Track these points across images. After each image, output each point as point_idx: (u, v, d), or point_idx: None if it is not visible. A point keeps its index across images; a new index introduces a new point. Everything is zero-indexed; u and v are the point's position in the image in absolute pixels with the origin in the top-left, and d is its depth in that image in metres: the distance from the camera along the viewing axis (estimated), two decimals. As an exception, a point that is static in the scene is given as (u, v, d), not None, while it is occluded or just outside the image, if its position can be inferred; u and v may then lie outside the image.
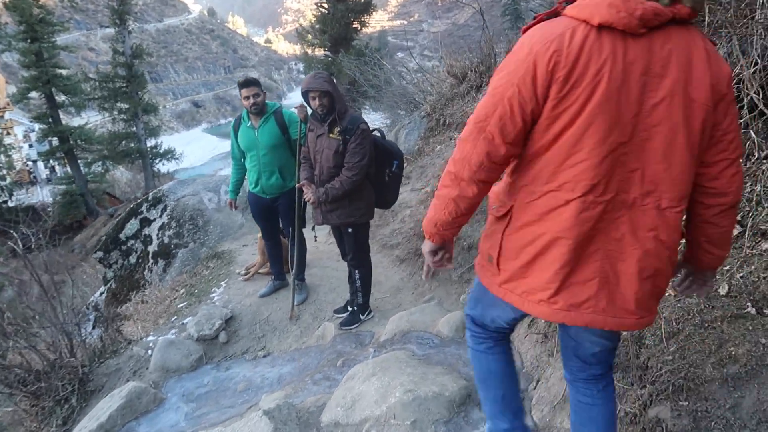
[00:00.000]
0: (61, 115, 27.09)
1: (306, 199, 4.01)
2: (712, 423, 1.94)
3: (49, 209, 27.39)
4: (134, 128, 26.87)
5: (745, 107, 2.65)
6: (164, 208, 6.88)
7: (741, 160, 1.57)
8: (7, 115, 42.47)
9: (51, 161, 29.25)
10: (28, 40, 23.57)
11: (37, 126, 27.19)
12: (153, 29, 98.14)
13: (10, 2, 22.59)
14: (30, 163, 40.93)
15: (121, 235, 7.05)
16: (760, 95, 2.59)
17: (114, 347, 4.65)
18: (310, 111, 4.05)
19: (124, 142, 26.88)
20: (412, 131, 7.46)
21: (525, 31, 1.53)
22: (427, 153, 6.77)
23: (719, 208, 1.58)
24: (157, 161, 28.95)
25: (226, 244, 6.42)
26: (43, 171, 39.36)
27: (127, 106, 25.93)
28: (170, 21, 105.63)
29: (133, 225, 7.02)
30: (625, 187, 1.47)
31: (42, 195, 35.45)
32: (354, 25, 17.80)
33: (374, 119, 13.24)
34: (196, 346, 4.29)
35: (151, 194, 7.26)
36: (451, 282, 4.49)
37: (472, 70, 7.24)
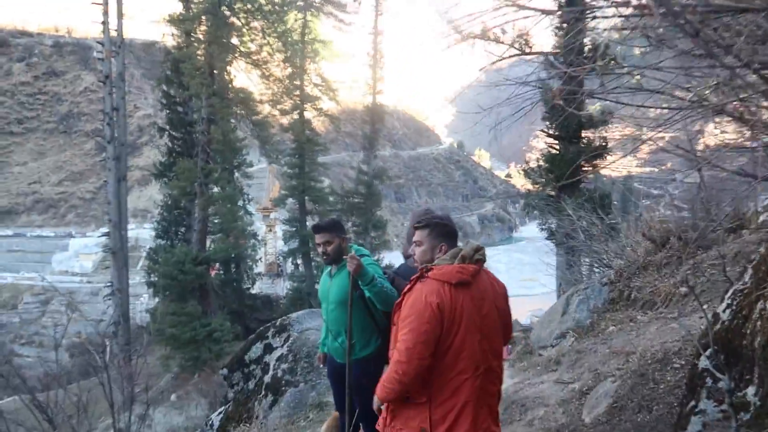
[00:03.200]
0: (308, 221, 30.75)
1: None
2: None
3: (281, 301, 30.58)
4: (361, 241, 29.07)
5: None
6: (287, 338, 6.56)
7: None
8: (272, 215, 50.06)
9: (294, 259, 33.02)
10: (296, 156, 27.77)
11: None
12: (406, 155, 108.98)
13: (290, 124, 27.06)
14: (281, 257, 46.85)
15: (246, 357, 6.82)
16: None
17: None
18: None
19: (351, 251, 29.02)
20: (587, 299, 6.22)
21: (410, 287, 2.78)
22: (595, 333, 5.50)
23: None
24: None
25: (337, 393, 5.80)
26: (289, 267, 44.69)
27: (359, 220, 28.33)
28: (422, 150, 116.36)
29: (257, 349, 6.76)
30: (488, 360, 2.68)
31: (282, 288, 39.98)
32: (585, 168, 17.01)
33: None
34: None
35: (279, 320, 7.05)
36: None
37: (676, 236, 5.92)
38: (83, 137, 71.85)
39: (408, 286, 2.79)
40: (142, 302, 32.82)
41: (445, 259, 2.79)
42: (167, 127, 24.15)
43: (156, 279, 20.66)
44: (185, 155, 21.82)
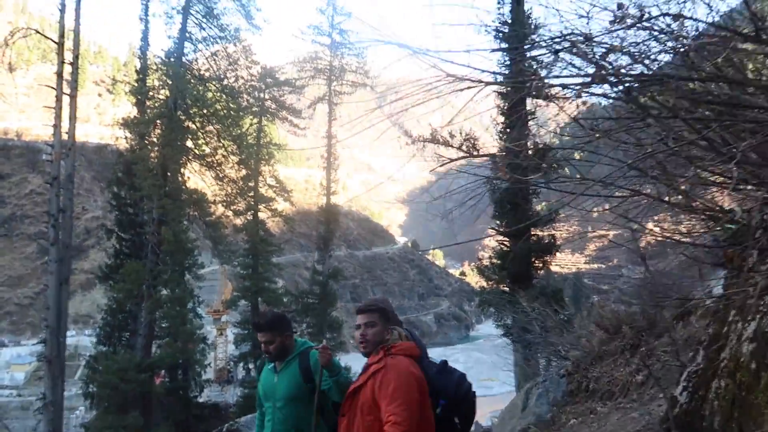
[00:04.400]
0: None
1: None
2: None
3: (231, 409, 28.83)
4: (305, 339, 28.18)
5: None
6: (238, 443, 6.10)
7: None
8: (224, 318, 48.42)
9: (245, 364, 31.54)
10: (250, 256, 27.41)
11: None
12: (361, 255, 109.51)
13: (243, 225, 26.95)
14: (232, 362, 44.81)
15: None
16: None
17: None
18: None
19: (305, 353, 28.16)
20: (546, 393, 6.14)
21: (378, 366, 2.78)
22: (557, 427, 5.40)
23: None
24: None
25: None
26: (240, 372, 42.65)
27: (314, 321, 27.71)
28: (377, 249, 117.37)
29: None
30: None
31: (232, 395, 37.85)
32: (535, 264, 17.39)
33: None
34: None
35: (227, 426, 6.90)
36: None
37: (628, 325, 6.00)
38: (25, 240, 69.48)
39: (375, 366, 2.79)
40: (78, 416, 30.33)
41: (397, 338, 2.92)
42: (116, 228, 23.63)
43: (94, 389, 19.25)
44: (133, 257, 21.22)
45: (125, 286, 18.50)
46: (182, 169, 20.51)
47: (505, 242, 17.35)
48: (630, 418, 4.49)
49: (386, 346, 2.89)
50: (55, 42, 17.13)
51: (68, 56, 17.17)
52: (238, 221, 27.10)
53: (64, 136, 18.94)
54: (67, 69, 16.95)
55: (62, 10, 16.62)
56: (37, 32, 19.67)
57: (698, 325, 4.77)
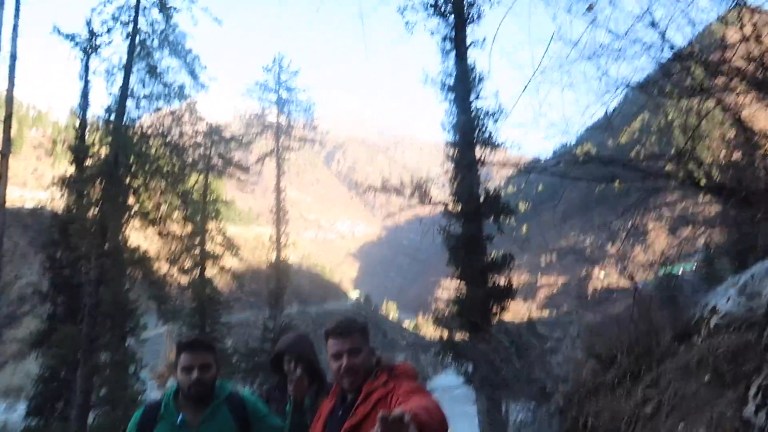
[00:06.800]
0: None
1: None
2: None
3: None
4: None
5: None
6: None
7: None
8: (169, 383, 46.06)
9: None
10: (196, 315, 26.24)
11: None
12: (314, 311, 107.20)
13: (190, 282, 25.92)
14: (177, 431, 42.26)
15: None
16: None
17: None
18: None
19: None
20: None
21: (384, 391, 2.23)
22: None
23: None
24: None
25: None
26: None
27: (264, 380, 26.48)
28: (330, 305, 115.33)
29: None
30: None
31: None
32: (494, 310, 17.28)
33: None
34: None
35: None
36: None
37: (622, 352, 5.45)
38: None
39: (380, 392, 2.22)
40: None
41: (388, 359, 2.50)
42: (50, 291, 22.23)
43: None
44: (69, 321, 19.86)
45: (59, 352, 17.18)
46: (123, 227, 19.62)
47: (462, 290, 17.26)
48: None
49: (385, 367, 2.38)
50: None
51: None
52: (184, 279, 26.05)
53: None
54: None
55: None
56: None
57: (706, 345, 4.51)
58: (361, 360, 2.37)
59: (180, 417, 2.59)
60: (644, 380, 4.88)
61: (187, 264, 25.23)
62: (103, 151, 20.40)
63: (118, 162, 19.62)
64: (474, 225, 15.77)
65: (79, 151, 20.73)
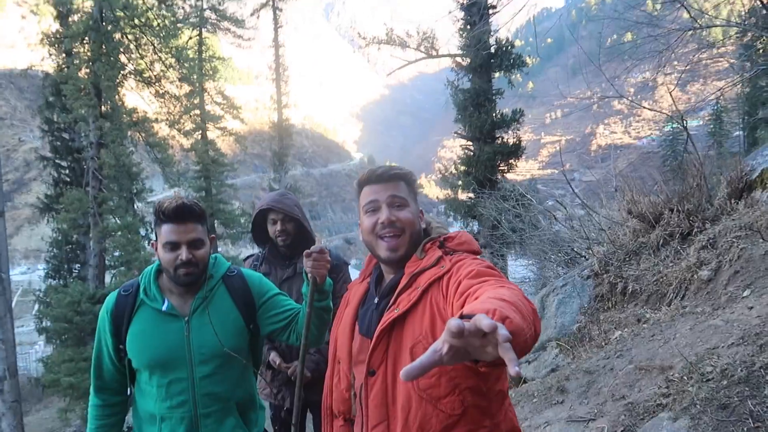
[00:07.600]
0: (219, 247, 29.19)
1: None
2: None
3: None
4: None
5: None
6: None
7: None
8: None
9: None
10: (202, 178, 26.28)
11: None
12: (318, 173, 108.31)
13: (191, 145, 25.60)
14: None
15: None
16: None
17: None
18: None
19: (269, 274, 27.95)
20: (568, 299, 4.98)
21: (435, 271, 1.56)
22: (594, 340, 4.30)
23: None
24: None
25: None
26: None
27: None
28: (333, 166, 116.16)
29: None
30: None
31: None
32: (501, 168, 17.14)
33: (516, 270, 11.80)
34: None
35: None
36: None
37: (670, 209, 4.82)
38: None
39: (431, 272, 1.55)
40: (37, 351, 29.78)
41: (441, 226, 1.78)
42: (51, 155, 22.03)
43: (48, 324, 18.53)
44: (75, 185, 19.86)
45: (68, 216, 17.33)
46: (118, 87, 18.84)
47: (470, 147, 16.96)
48: (711, 328, 3.33)
49: (435, 239, 1.68)
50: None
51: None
52: (186, 142, 25.71)
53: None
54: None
55: None
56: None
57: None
58: (408, 216, 1.68)
59: (166, 303, 2.08)
60: (698, 241, 4.34)
61: (188, 126, 24.69)
62: (88, 5, 19.02)
63: (104, 16, 18.36)
64: (484, 78, 15.02)
65: (61, 4, 19.30)
